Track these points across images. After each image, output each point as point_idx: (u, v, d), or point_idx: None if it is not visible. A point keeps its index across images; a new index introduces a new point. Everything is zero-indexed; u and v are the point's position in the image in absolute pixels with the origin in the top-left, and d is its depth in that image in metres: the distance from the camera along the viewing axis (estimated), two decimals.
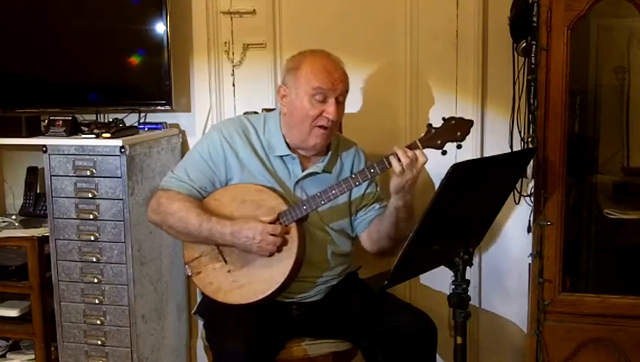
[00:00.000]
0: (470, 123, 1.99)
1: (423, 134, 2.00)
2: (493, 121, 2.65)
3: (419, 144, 1.98)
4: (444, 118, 1.99)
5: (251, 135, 2.15)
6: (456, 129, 1.97)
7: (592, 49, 2.45)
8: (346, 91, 2.10)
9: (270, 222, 1.99)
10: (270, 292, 2.01)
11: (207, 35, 2.83)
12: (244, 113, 2.61)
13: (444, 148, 1.98)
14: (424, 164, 1.97)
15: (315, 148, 2.11)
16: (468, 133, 1.98)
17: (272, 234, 1.98)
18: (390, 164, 1.96)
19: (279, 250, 2.01)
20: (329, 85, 2.03)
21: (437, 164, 2.53)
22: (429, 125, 2.00)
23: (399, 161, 1.94)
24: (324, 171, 2.16)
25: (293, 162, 2.13)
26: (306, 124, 2.06)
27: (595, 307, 2.15)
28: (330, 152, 2.18)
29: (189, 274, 2.11)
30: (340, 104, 2.07)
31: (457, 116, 1.99)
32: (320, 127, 2.06)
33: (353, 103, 2.72)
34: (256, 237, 1.98)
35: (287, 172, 2.14)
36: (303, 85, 2.05)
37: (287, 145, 2.13)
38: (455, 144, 1.98)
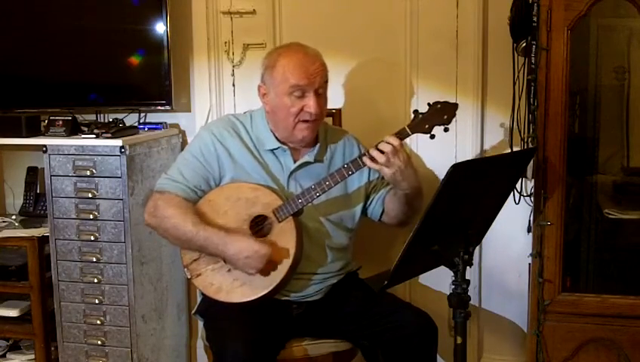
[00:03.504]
0: (455, 106, 2.01)
1: (410, 120, 2.02)
2: (493, 120, 2.65)
3: (408, 130, 2.00)
4: (429, 103, 2.01)
5: (241, 131, 2.16)
6: (442, 113, 2.00)
7: (592, 49, 2.45)
8: (325, 82, 2.10)
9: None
10: (272, 287, 2.01)
11: (207, 35, 2.83)
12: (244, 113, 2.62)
13: (433, 133, 2.00)
14: (400, 147, 1.96)
15: (304, 141, 2.12)
16: (454, 116, 2.01)
17: (261, 256, 1.98)
18: (382, 151, 1.97)
19: (272, 266, 2.02)
20: (306, 81, 2.04)
21: (437, 163, 2.55)
22: (416, 111, 2.03)
23: (376, 161, 1.96)
24: (316, 161, 2.17)
25: (285, 154, 2.14)
26: (289, 121, 2.07)
27: (595, 307, 2.16)
28: (319, 142, 2.19)
29: (189, 276, 2.11)
30: (320, 96, 2.08)
31: (442, 100, 2.01)
32: (304, 121, 2.07)
33: (353, 103, 2.72)
34: (243, 253, 1.98)
35: (279, 165, 2.14)
36: (280, 84, 2.06)
37: (277, 138, 2.14)
38: (442, 128, 2.00)
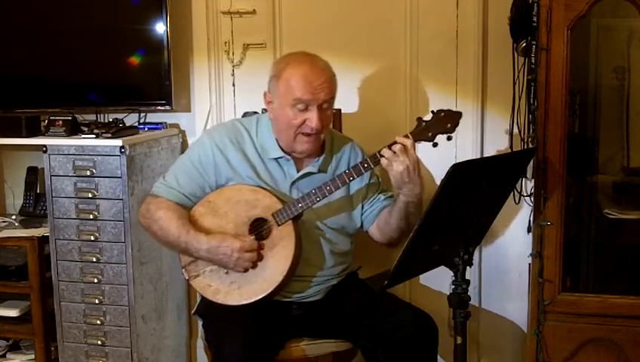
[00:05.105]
0: (459, 114, 2.00)
1: (414, 127, 2.01)
2: (493, 120, 2.65)
3: (410, 137, 1.99)
4: (433, 111, 2.00)
5: (244, 140, 2.14)
6: (446, 121, 1.99)
7: (592, 49, 2.45)
8: (332, 98, 2.08)
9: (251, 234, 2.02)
10: (270, 291, 2.01)
11: (207, 35, 2.83)
12: (244, 113, 2.62)
13: (435, 141, 1.99)
14: (411, 147, 1.95)
15: (303, 153, 2.11)
16: (457, 124, 1.99)
17: (249, 251, 2.00)
18: (383, 156, 1.97)
19: (261, 258, 2.02)
20: (309, 96, 2.01)
21: (437, 164, 2.55)
22: (419, 118, 2.01)
23: (384, 156, 1.96)
24: (319, 171, 2.15)
25: (288, 163, 2.13)
26: (290, 132, 2.06)
27: (595, 307, 2.15)
28: (324, 152, 2.18)
29: (187, 277, 2.11)
30: (324, 110, 2.05)
31: (446, 108, 2.00)
32: (305, 134, 2.06)
33: (353, 103, 2.72)
34: (233, 255, 1.99)
35: (282, 174, 2.14)
36: (283, 95, 2.04)
37: (281, 147, 2.13)
38: (445, 136, 1.99)
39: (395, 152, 1.94)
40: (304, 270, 2.09)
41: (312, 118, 2.02)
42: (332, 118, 2.17)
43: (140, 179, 2.57)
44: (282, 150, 2.12)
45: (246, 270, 2.02)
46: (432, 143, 1.99)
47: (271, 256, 2.03)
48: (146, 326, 2.63)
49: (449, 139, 2.00)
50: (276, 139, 2.13)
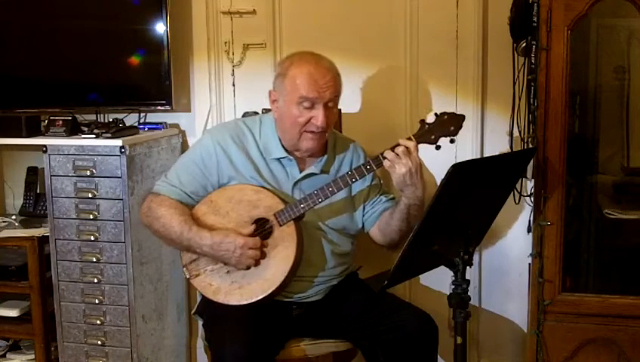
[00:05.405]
0: (462, 117, 2.00)
1: (417, 130, 2.01)
2: (493, 121, 2.65)
3: (413, 139, 1.99)
4: (436, 114, 2.00)
5: (247, 139, 2.15)
6: (449, 124, 1.99)
7: (592, 49, 2.46)
8: (337, 96, 2.08)
9: (250, 234, 2.02)
10: (270, 291, 2.01)
11: (207, 35, 2.84)
12: (244, 113, 2.62)
13: (438, 143, 1.99)
14: (414, 149, 1.96)
15: (308, 151, 2.11)
16: (460, 127, 2.00)
17: (252, 248, 2.00)
18: (397, 153, 1.97)
19: (263, 256, 2.02)
20: (315, 94, 2.01)
21: (437, 164, 2.55)
22: (422, 121, 2.01)
23: (387, 158, 1.97)
24: (322, 172, 2.15)
25: (291, 164, 2.13)
26: (295, 130, 2.06)
27: (595, 307, 2.16)
28: (327, 153, 2.18)
29: (187, 276, 2.11)
30: (330, 109, 2.06)
31: (449, 111, 2.00)
32: (310, 132, 2.06)
33: (353, 103, 2.72)
34: (236, 251, 1.99)
35: (285, 174, 2.14)
36: (289, 93, 2.04)
37: (284, 147, 2.13)
38: (448, 139, 1.99)
39: (397, 154, 1.95)
40: (305, 270, 2.09)
41: (318, 116, 2.03)
42: (337, 116, 2.17)
43: (140, 179, 2.57)
44: (285, 150, 2.12)
45: (248, 267, 2.02)
46: (434, 146, 1.99)
47: (272, 256, 2.03)
48: (146, 326, 2.63)
49: (452, 142, 2.00)
50: (279, 140, 2.13)
